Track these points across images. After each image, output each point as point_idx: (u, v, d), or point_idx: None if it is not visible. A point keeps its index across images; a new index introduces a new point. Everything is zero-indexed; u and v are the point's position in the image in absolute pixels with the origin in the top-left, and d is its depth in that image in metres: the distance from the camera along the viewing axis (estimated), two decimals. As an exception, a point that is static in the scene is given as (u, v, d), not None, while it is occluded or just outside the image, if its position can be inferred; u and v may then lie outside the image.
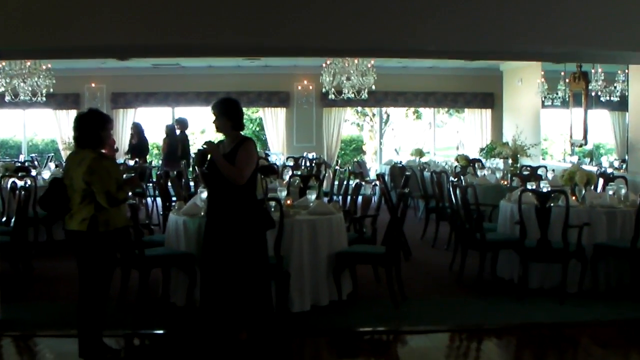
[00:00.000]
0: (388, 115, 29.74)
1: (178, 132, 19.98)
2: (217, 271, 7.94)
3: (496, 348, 8.47)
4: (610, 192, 10.71)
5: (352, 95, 18.05)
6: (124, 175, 8.51)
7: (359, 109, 29.47)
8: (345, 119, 25.85)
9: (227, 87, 22.96)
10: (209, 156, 7.95)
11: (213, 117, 8.01)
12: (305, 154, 21.47)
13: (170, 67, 23.03)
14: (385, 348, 8.58)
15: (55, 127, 24.07)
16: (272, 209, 9.08)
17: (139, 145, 20.44)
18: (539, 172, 15.08)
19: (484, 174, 15.64)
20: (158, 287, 9.84)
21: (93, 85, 23.45)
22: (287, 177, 14.13)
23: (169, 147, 19.80)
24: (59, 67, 20.78)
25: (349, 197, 12.33)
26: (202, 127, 29.30)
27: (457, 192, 11.05)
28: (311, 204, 10.04)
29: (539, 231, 9.84)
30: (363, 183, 11.88)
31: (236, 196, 7.83)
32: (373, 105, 25.04)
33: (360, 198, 11.99)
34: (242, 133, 8.17)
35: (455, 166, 17.94)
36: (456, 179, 13.77)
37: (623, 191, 10.89)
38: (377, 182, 12.82)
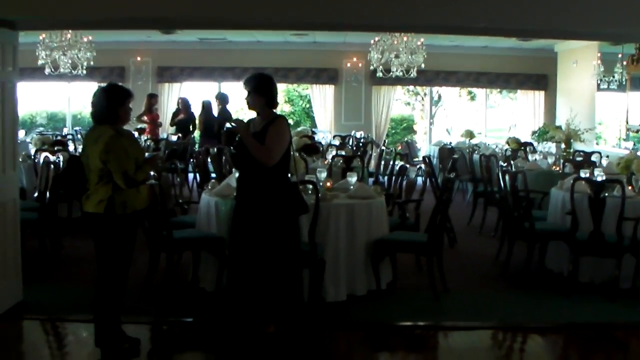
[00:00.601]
0: (440, 95, 29.20)
1: (219, 107, 19.51)
2: (244, 258, 7.46)
3: (540, 349, 7.95)
4: (672, 182, 10.08)
5: (401, 74, 17.51)
6: (146, 154, 8.04)
7: (410, 88, 28.88)
8: (396, 98, 25.49)
9: (274, 63, 22.86)
10: (237, 135, 7.46)
11: (245, 94, 7.52)
12: (353, 133, 21.05)
13: (217, 41, 22.76)
14: (423, 344, 8.04)
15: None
16: (310, 192, 8.60)
17: (186, 120, 19.99)
18: (593, 158, 14.47)
19: (535, 159, 15.00)
20: (188, 271, 9.46)
21: (138, 58, 23.20)
22: (330, 157, 13.60)
23: (204, 124, 19.35)
24: (104, 40, 20.64)
25: (393, 180, 11.79)
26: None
27: (506, 178, 10.50)
28: (351, 187, 9.54)
29: (591, 223, 9.25)
30: (408, 166, 11.32)
31: (266, 178, 7.33)
32: (423, 84, 24.68)
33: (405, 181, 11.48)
34: (276, 111, 7.67)
35: (506, 149, 17.37)
36: (506, 164, 13.20)
37: (684, 181, 10.27)
38: (423, 165, 12.26)
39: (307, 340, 7.80)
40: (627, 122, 18.28)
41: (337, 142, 18.23)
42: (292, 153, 7.59)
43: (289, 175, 7.63)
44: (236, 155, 7.51)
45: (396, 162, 12.86)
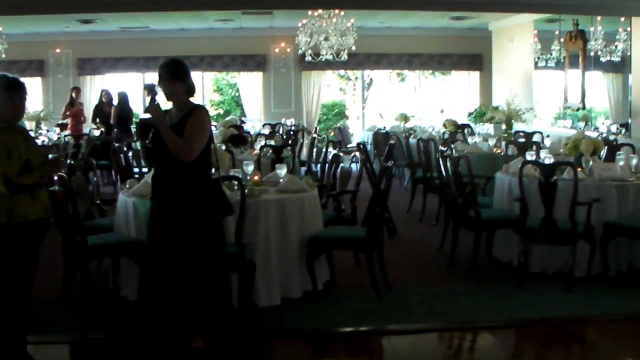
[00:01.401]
0: (371, 79, 28.61)
1: (148, 99, 18.60)
2: (163, 265, 6.60)
3: (492, 347, 7.32)
4: (621, 163, 9.42)
5: (331, 57, 16.79)
6: (49, 156, 7.16)
7: (342, 72, 28.28)
8: (328, 83, 25.17)
9: (199, 51, 22.37)
10: (152, 128, 6.61)
11: (162, 83, 6.64)
12: (283, 121, 20.44)
13: (139, 30, 21.94)
14: (367, 350, 7.26)
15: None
16: (235, 188, 7.82)
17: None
18: (535, 138, 13.86)
19: (475, 141, 14.33)
20: (109, 278, 8.66)
21: (58, 50, 22.43)
22: (258, 148, 12.84)
23: (119, 116, 18.49)
24: (20, 32, 19.79)
25: (327, 169, 11.04)
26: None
27: (447, 162, 9.79)
28: (281, 180, 8.76)
29: (541, 209, 8.58)
30: (341, 154, 10.55)
31: (185, 175, 6.43)
32: (354, 67, 24.16)
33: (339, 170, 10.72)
34: (194, 100, 6.83)
35: (443, 132, 16.75)
36: (445, 148, 12.49)
37: (634, 161, 9.63)
38: (357, 153, 11.54)
39: (239, 354, 6.99)
40: (566, 100, 17.76)
41: (266, 131, 17.45)
42: (212, 146, 6.77)
43: (211, 171, 6.79)
44: (151, 150, 6.63)
45: (329, 150, 12.15)
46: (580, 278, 8.77)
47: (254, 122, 21.32)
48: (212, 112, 27.74)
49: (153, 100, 18.25)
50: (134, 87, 22.98)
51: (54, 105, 20.53)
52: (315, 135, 15.56)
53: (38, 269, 6.32)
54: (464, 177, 9.95)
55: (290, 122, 20.64)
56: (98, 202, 9.88)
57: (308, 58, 17.35)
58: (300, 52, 17.60)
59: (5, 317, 6.04)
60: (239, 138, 12.73)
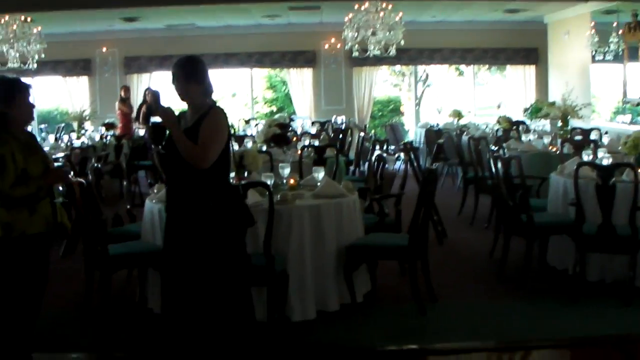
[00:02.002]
0: (427, 74, 28.16)
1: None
2: (178, 279, 6.05)
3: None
4: (685, 163, 8.74)
5: (379, 52, 16.15)
6: (55, 164, 6.65)
7: (396, 68, 27.68)
8: (383, 79, 25.10)
9: (247, 48, 22.18)
10: (167, 131, 6.03)
11: (177, 82, 6.06)
12: (334, 118, 19.91)
13: (185, 27, 21.63)
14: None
15: (66, 96, 22.87)
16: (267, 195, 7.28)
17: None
18: (592, 136, 13.13)
19: (530, 139, 13.59)
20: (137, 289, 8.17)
21: (104, 49, 22.17)
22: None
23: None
24: (66, 31, 19.53)
25: (371, 170, 10.43)
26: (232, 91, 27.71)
27: (498, 163, 9.16)
28: (318, 184, 8.20)
29: (599, 213, 7.92)
30: (385, 154, 9.93)
31: (201, 184, 5.85)
32: (407, 63, 23.61)
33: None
34: (213, 100, 6.25)
35: (497, 129, 16.07)
36: (497, 147, 11.83)
37: (699, 161, 8.94)
38: (402, 154, 10.94)
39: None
40: (625, 95, 17.05)
41: (314, 129, 16.86)
42: (231, 150, 6.19)
43: (229, 178, 6.22)
44: (165, 155, 6.06)
45: (376, 149, 11.57)
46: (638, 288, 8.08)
47: (304, 119, 20.75)
48: (265, 109, 27.29)
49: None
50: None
51: (100, 105, 20.23)
52: (362, 133, 14.94)
53: (63, 279, 5.81)
54: (516, 179, 9.34)
55: (341, 119, 20.12)
56: (128, 207, 9.37)
57: (355, 54, 16.74)
58: (347, 47, 16.96)
59: (7, 335, 5.55)
60: (281, 137, 12.20)
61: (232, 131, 6.12)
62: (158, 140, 5.96)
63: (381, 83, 27.29)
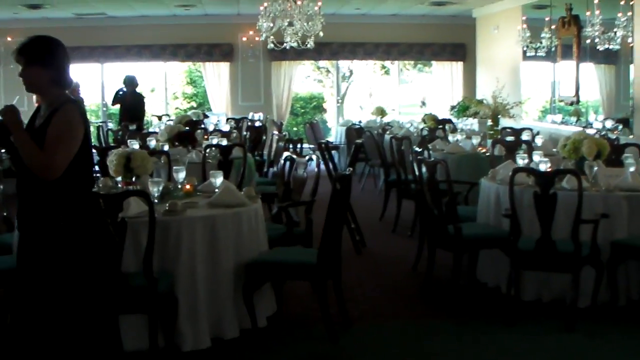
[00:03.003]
0: (351, 71, 27.61)
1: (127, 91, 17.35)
2: (29, 308, 4.86)
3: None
4: (632, 169, 7.76)
5: (296, 44, 15.08)
6: None
7: (320, 63, 26.81)
8: (307, 75, 24.73)
9: (161, 40, 21.14)
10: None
11: (21, 68, 4.87)
12: (250, 115, 18.89)
13: (95, 17, 20.44)
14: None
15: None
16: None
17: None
18: (524, 136, 12.21)
19: (457, 139, 12.53)
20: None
21: (9, 39, 20.58)
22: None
23: None
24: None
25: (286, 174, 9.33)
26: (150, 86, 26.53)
27: (423, 167, 8.14)
28: (216, 190, 7.10)
29: (536, 226, 6.92)
30: (295, 157, 8.79)
31: (49, 198, 4.67)
32: (328, 58, 22.61)
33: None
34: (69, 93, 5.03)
35: (422, 128, 15.12)
36: (421, 149, 10.79)
37: (646, 166, 7.99)
38: (314, 156, 9.88)
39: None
40: (554, 94, 16.39)
41: (227, 127, 15.76)
42: (93, 155, 5.01)
43: (91, 189, 5.03)
44: (14, 160, 4.85)
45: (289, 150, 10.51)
46: (583, 309, 7.07)
47: (220, 116, 19.66)
48: (184, 105, 26.15)
49: (134, 91, 17.35)
50: (90, 78, 21.72)
51: (5, 98, 19.12)
52: (275, 132, 13.84)
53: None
54: (442, 183, 8.34)
55: (258, 116, 19.09)
56: (5, 214, 8.18)
57: (270, 45, 15.66)
58: (262, 38, 15.86)
59: None
60: (185, 136, 11.11)
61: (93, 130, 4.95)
62: (4, 142, 4.77)
63: (304, 79, 26.93)
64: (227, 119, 18.12)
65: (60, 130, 4.64)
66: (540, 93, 18.48)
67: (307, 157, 8.83)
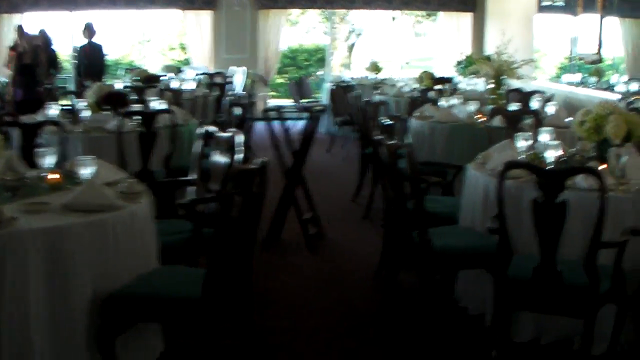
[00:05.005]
0: (354, 27, 26.98)
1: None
2: None
3: None
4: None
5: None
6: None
7: (326, 11, 25.18)
8: (313, 26, 24.47)
9: None
10: None
11: None
12: (229, 70, 17.42)
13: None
14: None
15: None
16: None
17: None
18: (533, 103, 10.12)
19: (453, 104, 10.31)
20: None
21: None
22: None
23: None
24: None
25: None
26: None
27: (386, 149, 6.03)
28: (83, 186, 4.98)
29: (535, 244, 4.76)
30: (214, 130, 6.57)
31: None
32: (323, 6, 21.17)
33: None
34: None
35: (414, 89, 13.10)
36: (393, 121, 8.46)
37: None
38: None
39: None
40: (575, 51, 14.85)
41: (193, 84, 13.74)
42: None
43: None
44: None
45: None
46: (599, 357, 5.02)
47: (199, 70, 17.78)
48: (182, 57, 24.78)
49: (91, 41, 15.72)
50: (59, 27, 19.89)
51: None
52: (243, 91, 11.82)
53: None
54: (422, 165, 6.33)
55: (242, 70, 17.13)
56: None
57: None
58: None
59: None
60: (115, 97, 9.09)
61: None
62: None
63: (311, 29, 26.41)
64: (198, 74, 16.09)
65: None
66: (556, 50, 16.97)
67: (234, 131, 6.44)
